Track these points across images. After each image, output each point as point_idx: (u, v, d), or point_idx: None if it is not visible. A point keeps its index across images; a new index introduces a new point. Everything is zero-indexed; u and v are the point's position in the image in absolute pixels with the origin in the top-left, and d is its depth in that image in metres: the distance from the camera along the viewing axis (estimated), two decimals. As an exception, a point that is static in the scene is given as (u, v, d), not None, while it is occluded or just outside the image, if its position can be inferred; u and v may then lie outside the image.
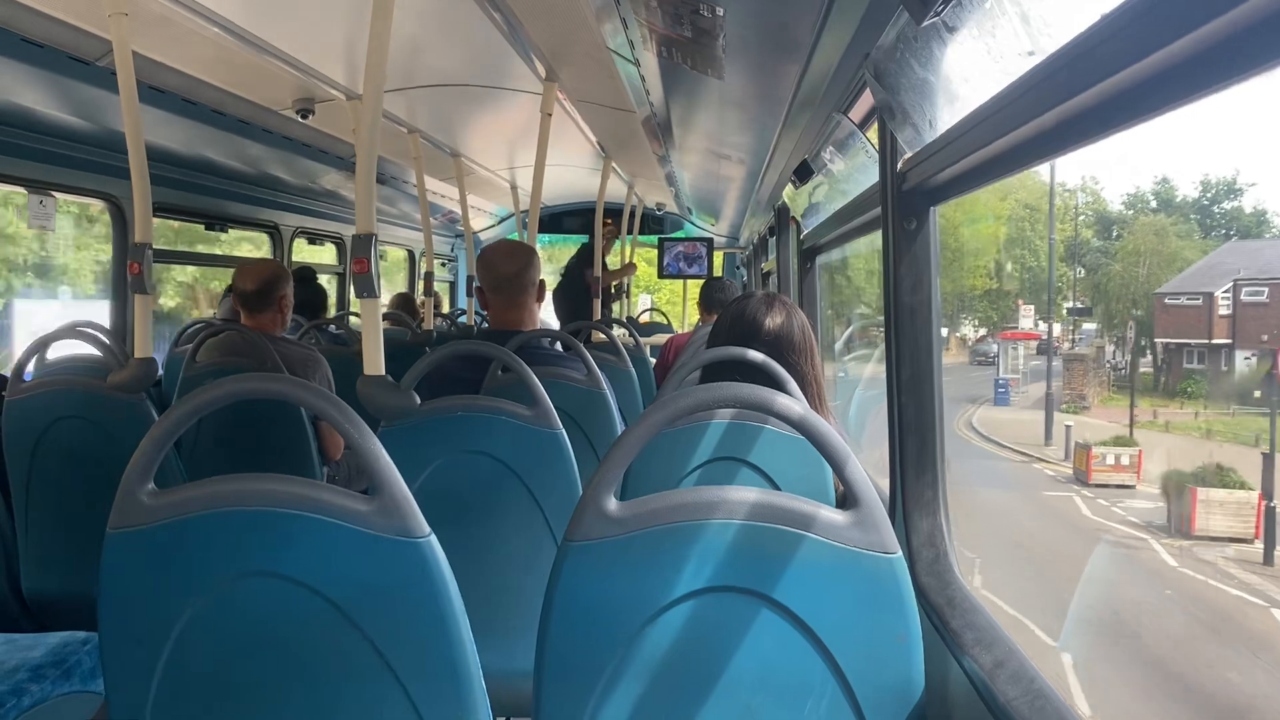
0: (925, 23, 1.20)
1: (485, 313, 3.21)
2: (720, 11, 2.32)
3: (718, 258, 9.52)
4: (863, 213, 2.51)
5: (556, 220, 9.25)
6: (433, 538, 1.37)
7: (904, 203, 1.77)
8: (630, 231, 8.41)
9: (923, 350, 1.78)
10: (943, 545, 1.76)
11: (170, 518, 1.36)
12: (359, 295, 2.41)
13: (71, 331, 3.43)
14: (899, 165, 1.77)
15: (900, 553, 1.27)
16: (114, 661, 1.41)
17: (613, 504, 1.31)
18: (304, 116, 4.34)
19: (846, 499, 1.32)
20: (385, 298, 7.31)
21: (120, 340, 4.19)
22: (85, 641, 2.53)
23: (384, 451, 1.37)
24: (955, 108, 1.42)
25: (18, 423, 2.92)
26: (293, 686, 1.40)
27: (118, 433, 2.87)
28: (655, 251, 9.35)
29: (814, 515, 1.28)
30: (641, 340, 5.79)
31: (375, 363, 2.34)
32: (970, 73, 1.29)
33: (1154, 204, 37.83)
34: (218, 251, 5.80)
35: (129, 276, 2.89)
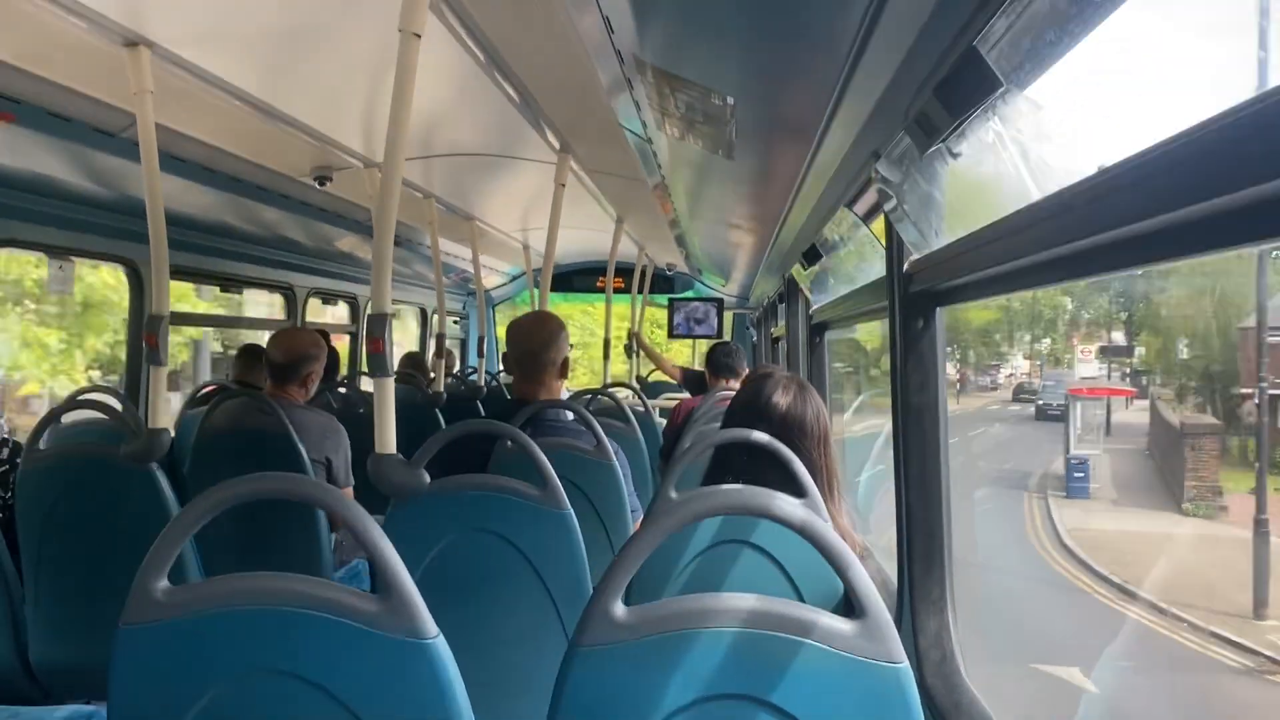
0: (928, 151, 1.24)
1: (495, 373, 3.23)
2: (731, 101, 2.37)
3: (727, 318, 9.56)
4: (870, 301, 2.53)
5: (567, 279, 9.32)
6: (440, 639, 1.38)
7: (910, 303, 1.79)
8: (641, 291, 8.47)
9: (930, 447, 1.79)
10: (949, 646, 1.75)
11: (182, 615, 1.37)
12: (372, 374, 2.44)
13: (85, 401, 3.47)
14: (905, 266, 1.80)
15: (907, 663, 1.27)
16: None
17: (620, 609, 1.31)
18: (321, 184, 4.42)
19: (851, 604, 1.32)
20: (396, 351, 7.34)
21: (133, 405, 4.22)
22: (91, 716, 2.53)
23: (393, 551, 1.39)
24: (961, 219, 1.45)
25: (31, 491, 2.94)
26: None
27: (129, 502, 2.89)
28: (665, 311, 9.41)
29: (820, 624, 1.28)
30: (650, 403, 5.80)
31: (387, 441, 2.36)
32: (974, 191, 1.32)
33: None
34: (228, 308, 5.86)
35: (145, 348, 2.93)
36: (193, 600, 1.37)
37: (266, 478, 1.43)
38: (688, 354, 12.23)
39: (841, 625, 1.29)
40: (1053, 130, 1.03)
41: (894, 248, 1.84)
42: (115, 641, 1.38)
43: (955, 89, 1.11)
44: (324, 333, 6.16)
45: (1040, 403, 26.38)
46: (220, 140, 3.80)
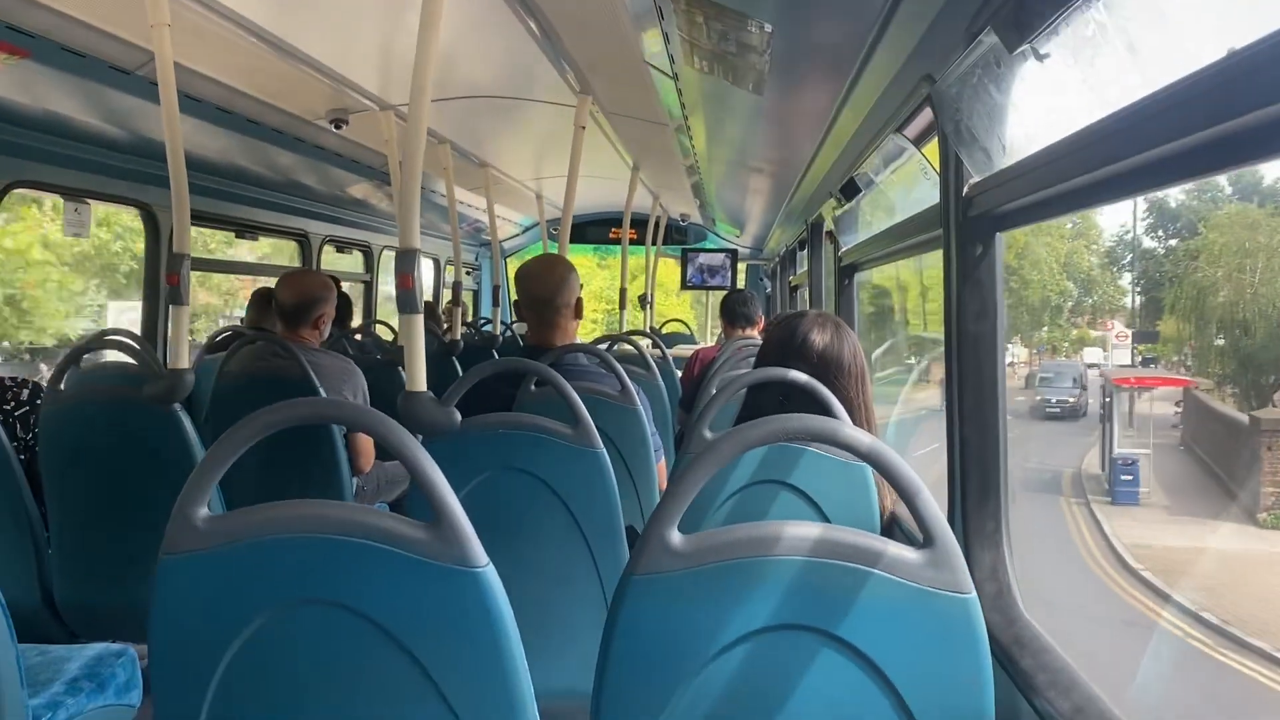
0: (1017, 50, 1.17)
1: (509, 322, 3.21)
2: (769, 28, 2.29)
3: (741, 270, 9.49)
4: (917, 234, 2.47)
5: (580, 230, 9.24)
6: (491, 567, 1.35)
7: (969, 228, 1.73)
8: (654, 242, 8.40)
9: (987, 378, 1.74)
10: (1006, 579, 1.72)
11: (225, 543, 1.34)
12: (401, 311, 2.40)
13: (105, 341, 3.43)
14: (964, 190, 1.74)
15: (974, 593, 1.24)
16: (163, 685, 1.38)
17: (677, 537, 1.28)
18: (337, 127, 4.35)
19: (892, 527, 1.29)
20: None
21: (152, 347, 4.19)
22: (120, 654, 2.51)
23: (443, 479, 1.35)
24: (1032, 134, 1.38)
25: (53, 433, 2.91)
26: (345, 715, 1.38)
27: (152, 443, 2.86)
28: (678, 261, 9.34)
29: (884, 552, 1.25)
30: (667, 351, 5.76)
31: (418, 379, 2.33)
32: (1057, 100, 1.26)
33: (1229, 190, 24.96)
34: (244, 253, 5.81)
35: (166, 287, 2.89)
36: (236, 528, 1.34)
37: (309, 403, 1.39)
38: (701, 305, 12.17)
39: (909, 554, 1.25)
40: (1171, 11, 0.97)
41: (950, 171, 1.78)
42: (157, 572, 1.35)
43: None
44: (335, 279, 6.13)
45: (1039, 398, 23.07)
46: (236, 80, 3.72)
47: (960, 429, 1.77)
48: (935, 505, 1.25)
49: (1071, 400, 23.54)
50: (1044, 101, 1.31)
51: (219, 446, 1.36)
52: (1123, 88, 1.05)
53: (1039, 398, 23.34)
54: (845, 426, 1.28)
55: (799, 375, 2.16)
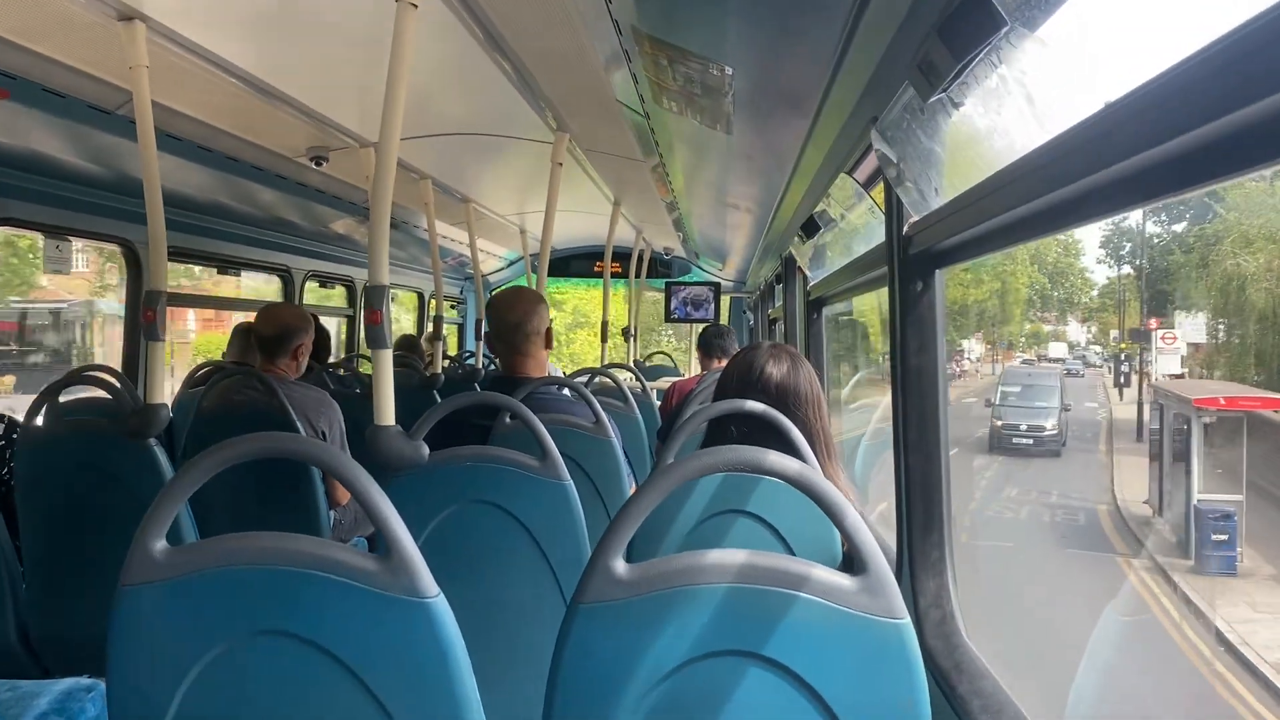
0: (931, 99, 1.23)
1: (492, 357, 3.25)
2: (729, 71, 2.36)
3: (724, 302, 9.56)
4: (869, 270, 2.53)
5: (564, 264, 9.31)
6: (441, 597, 1.38)
7: (909, 266, 1.79)
8: (638, 275, 8.46)
9: (929, 410, 1.79)
10: (949, 606, 1.76)
11: (182, 574, 1.37)
12: (370, 346, 2.44)
13: (83, 376, 3.46)
14: (904, 229, 1.80)
15: (908, 618, 1.27)
16: (121, 715, 1.41)
17: (621, 566, 1.31)
18: (318, 164, 4.41)
19: (852, 558, 1.32)
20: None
21: (131, 383, 4.22)
22: (90, 689, 2.52)
23: (394, 511, 1.38)
24: (960, 177, 1.44)
25: (29, 467, 2.93)
26: None
27: (128, 478, 2.88)
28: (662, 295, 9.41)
29: (821, 580, 1.28)
30: (648, 384, 5.80)
31: (386, 413, 2.36)
32: (975, 145, 1.32)
33: None
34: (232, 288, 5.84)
35: (143, 324, 2.92)
36: (192, 560, 1.37)
37: (266, 437, 1.43)
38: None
39: (843, 581, 1.29)
40: (1059, 69, 1.03)
41: (893, 211, 1.84)
42: (115, 602, 1.38)
43: (959, 29, 1.10)
44: (314, 315, 6.17)
45: (1000, 423, 17.27)
46: (216, 119, 3.78)
47: (906, 459, 1.82)
48: (866, 530, 1.29)
49: (1048, 427, 17.53)
50: (969, 146, 1.37)
51: (177, 480, 1.39)
52: (1025, 133, 1.11)
53: (999, 422, 17.60)
54: (775, 457, 1.32)
55: (755, 405, 2.21)
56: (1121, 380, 21.53)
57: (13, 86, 2.95)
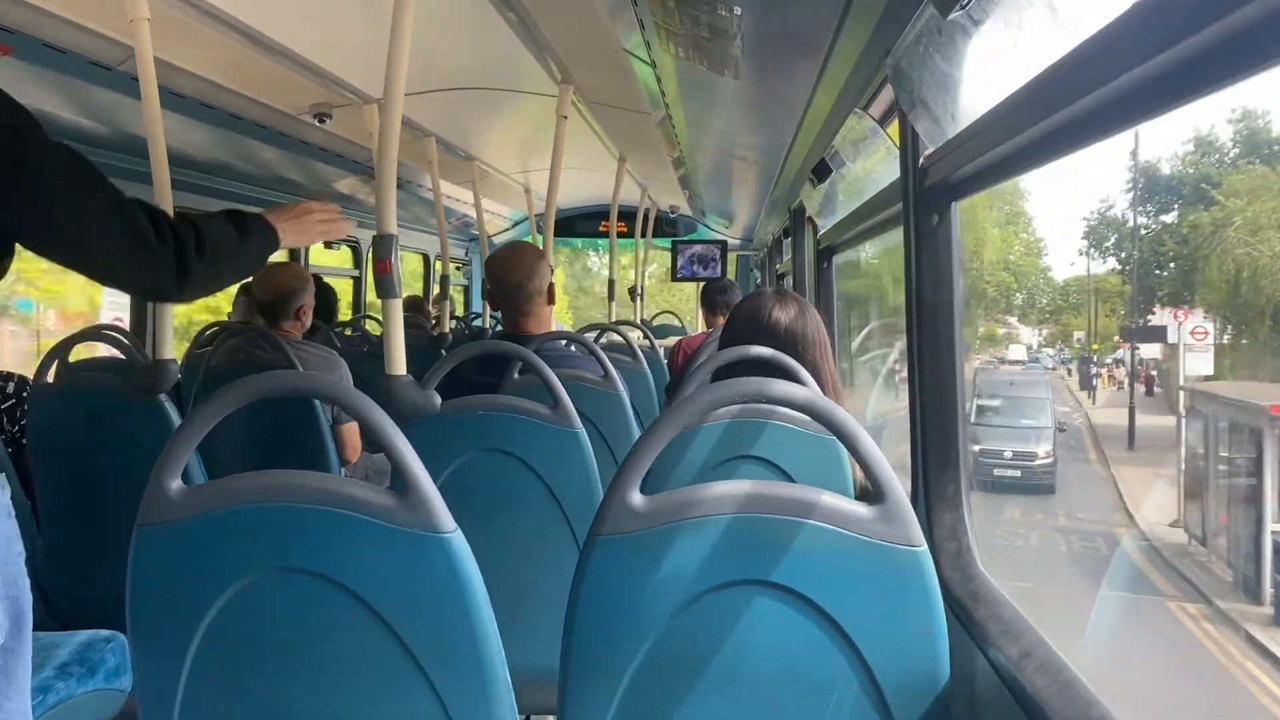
0: (950, 16, 1.21)
1: (499, 317, 3.23)
2: (738, 11, 2.33)
3: (731, 260, 9.52)
4: (882, 210, 2.51)
5: (569, 224, 9.27)
6: (458, 533, 1.38)
7: (925, 199, 1.77)
8: (644, 234, 8.43)
9: (944, 347, 1.78)
10: (965, 539, 1.76)
11: (198, 513, 1.37)
12: (380, 296, 2.43)
13: (94, 333, 3.46)
14: (920, 161, 1.78)
15: (925, 546, 1.27)
16: (142, 656, 1.42)
17: (638, 498, 1.31)
18: (321, 121, 4.38)
19: (869, 490, 1.32)
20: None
21: (140, 341, 4.22)
22: (109, 640, 2.55)
23: (410, 448, 1.38)
24: (978, 102, 1.42)
25: (40, 423, 2.94)
26: (320, 681, 1.41)
27: (138, 433, 2.89)
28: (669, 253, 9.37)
29: (839, 509, 1.28)
30: (657, 342, 5.80)
31: (397, 362, 2.36)
32: (995, 66, 1.29)
33: (1235, 151, 18.86)
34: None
35: None
36: (208, 499, 1.38)
37: (281, 375, 1.43)
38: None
39: (860, 510, 1.29)
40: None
41: (909, 144, 1.82)
42: (132, 542, 1.38)
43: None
44: (318, 276, 6.15)
45: (977, 448, 13.37)
46: (218, 75, 3.75)
47: (921, 396, 1.82)
48: (884, 459, 1.29)
49: (1041, 455, 13.78)
50: (987, 68, 1.35)
51: (192, 417, 1.40)
52: (1048, 46, 1.09)
53: (976, 447, 13.56)
54: (787, 386, 1.32)
55: (762, 350, 2.21)
56: (1092, 383, 20.04)
57: (14, 42, 2.92)
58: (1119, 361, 20.90)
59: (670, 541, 1.30)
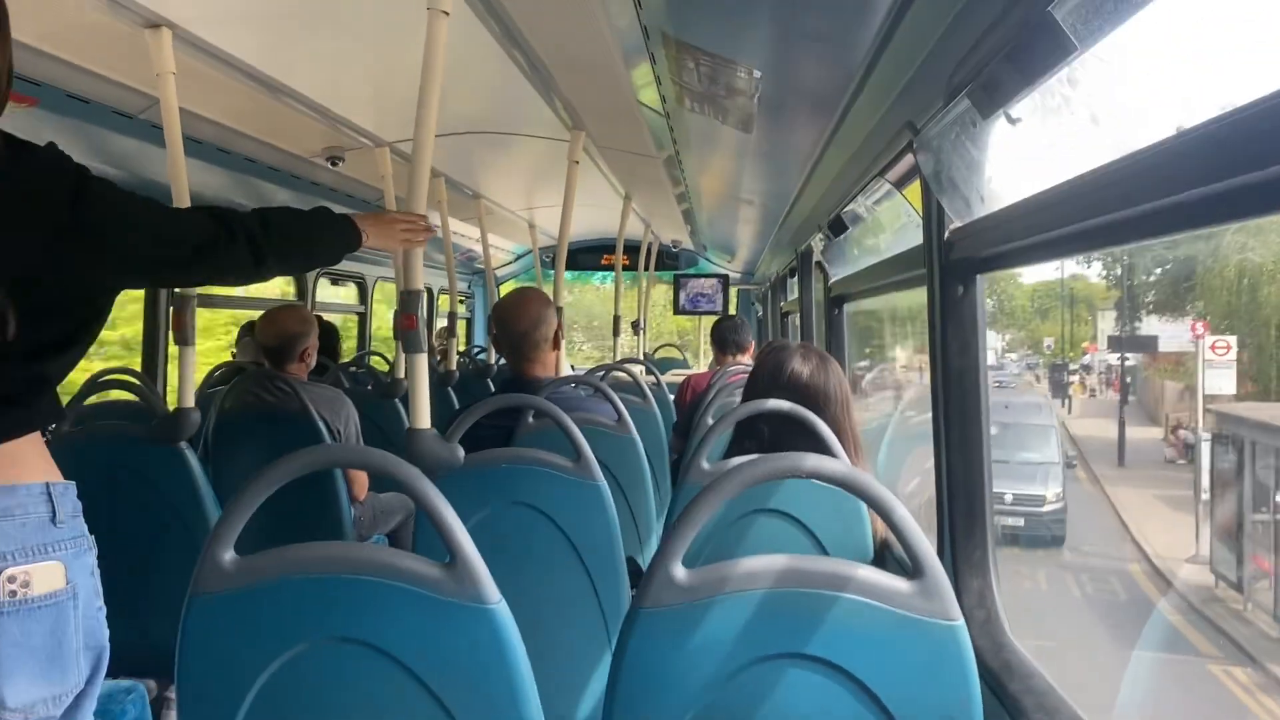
0: (990, 117, 1.26)
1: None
2: (757, 74, 2.38)
3: (732, 294, 9.59)
4: (902, 270, 2.56)
5: (572, 257, 9.31)
6: (503, 603, 1.41)
7: (951, 270, 1.82)
8: (646, 268, 8.49)
9: (971, 411, 1.82)
10: (993, 606, 1.79)
11: (251, 583, 1.40)
12: (406, 351, 2.47)
13: (109, 380, 3.49)
14: (945, 234, 1.82)
15: (962, 620, 1.31)
16: None
17: (681, 571, 1.34)
18: (334, 164, 4.43)
19: (884, 553, 1.35)
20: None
21: (153, 386, 4.25)
22: (129, 690, 2.56)
23: (456, 518, 1.42)
24: (1008, 188, 1.47)
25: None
26: None
27: (159, 481, 2.91)
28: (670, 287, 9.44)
29: (878, 583, 1.32)
30: (662, 378, 5.83)
31: (422, 415, 2.39)
32: (1029, 159, 1.34)
33: None
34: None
35: (172, 330, 2.95)
36: (261, 569, 1.41)
37: (336, 448, 1.47)
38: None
39: (900, 584, 1.32)
40: (1127, 91, 1.05)
41: (933, 216, 1.86)
42: (185, 612, 1.41)
43: (1027, 53, 1.13)
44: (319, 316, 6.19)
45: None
46: (235, 121, 3.80)
47: (947, 459, 1.85)
48: (919, 530, 1.32)
49: (1050, 498, 11.72)
50: (1019, 159, 1.40)
51: (246, 491, 1.43)
52: (1087, 152, 1.13)
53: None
54: (827, 460, 1.35)
55: (784, 404, 2.25)
56: (1065, 391, 19.20)
57: (39, 93, 2.97)
58: (1086, 368, 20.50)
59: (711, 615, 1.33)
